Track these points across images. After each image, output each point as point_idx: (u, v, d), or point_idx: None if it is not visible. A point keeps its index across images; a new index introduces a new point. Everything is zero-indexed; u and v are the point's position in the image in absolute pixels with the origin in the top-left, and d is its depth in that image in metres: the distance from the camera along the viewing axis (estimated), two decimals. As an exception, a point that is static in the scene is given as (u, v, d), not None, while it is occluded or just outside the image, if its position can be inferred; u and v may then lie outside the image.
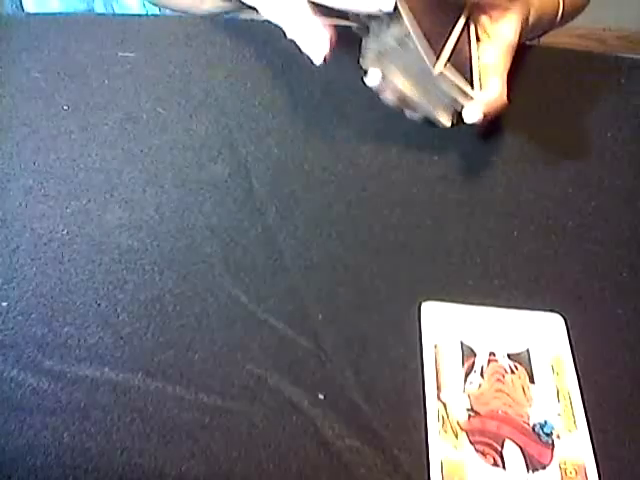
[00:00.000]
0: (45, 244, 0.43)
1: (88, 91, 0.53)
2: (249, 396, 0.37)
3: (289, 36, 0.44)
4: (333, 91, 0.54)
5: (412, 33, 0.41)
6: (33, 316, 0.40)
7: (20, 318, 0.40)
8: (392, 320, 0.40)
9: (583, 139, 0.52)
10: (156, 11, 0.76)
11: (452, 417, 0.36)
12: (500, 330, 0.40)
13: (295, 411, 0.37)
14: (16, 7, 0.83)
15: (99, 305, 0.40)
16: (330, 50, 0.42)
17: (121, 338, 0.39)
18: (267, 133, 0.50)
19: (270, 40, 0.57)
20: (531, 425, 0.36)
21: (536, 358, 0.39)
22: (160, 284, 0.42)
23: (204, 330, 0.40)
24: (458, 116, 0.46)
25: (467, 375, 0.38)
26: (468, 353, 0.39)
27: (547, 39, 0.64)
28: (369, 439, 0.36)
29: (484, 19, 0.48)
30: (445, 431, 0.35)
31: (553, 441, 0.35)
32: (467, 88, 0.44)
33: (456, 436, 0.35)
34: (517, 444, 0.35)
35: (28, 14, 0.80)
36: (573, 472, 0.34)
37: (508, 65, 0.47)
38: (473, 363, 0.38)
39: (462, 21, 0.46)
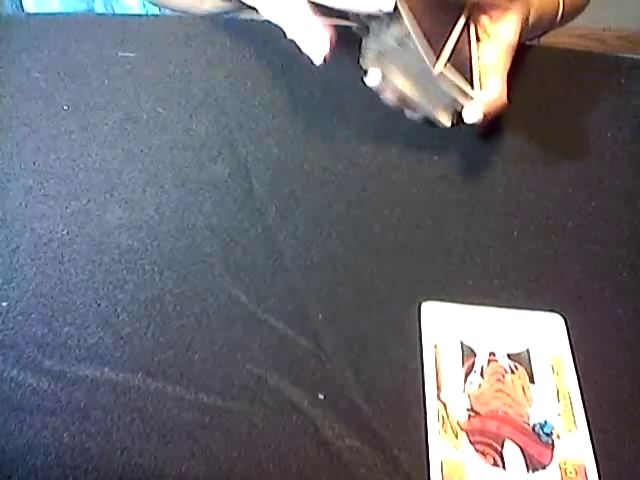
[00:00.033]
0: (45, 244, 0.43)
1: (88, 91, 0.53)
2: (249, 396, 0.37)
3: (289, 36, 0.44)
4: (333, 91, 0.54)
5: (412, 33, 0.41)
6: (33, 316, 0.40)
7: (20, 318, 0.40)
8: (392, 320, 0.40)
9: (583, 139, 0.52)
10: (156, 11, 0.76)
11: (452, 417, 0.36)
12: (500, 330, 0.40)
13: (295, 411, 0.37)
14: (16, 7, 0.83)
15: (99, 305, 0.40)
16: (330, 50, 0.42)
17: (121, 338, 0.39)
18: (267, 133, 0.50)
19: (270, 40, 0.57)
20: (531, 425, 0.36)
21: (536, 358, 0.39)
22: (160, 284, 0.42)
23: (204, 330, 0.40)
24: (458, 116, 0.46)
25: (467, 375, 0.38)
26: (468, 353, 0.39)
27: (547, 39, 0.64)
28: (369, 439, 0.36)
29: (484, 19, 0.48)
30: (445, 431, 0.35)
31: (553, 441, 0.35)
32: (467, 88, 0.44)
33: (456, 436, 0.35)
34: (517, 444, 0.35)
35: (28, 14, 0.80)
36: (573, 472, 0.34)
37: (508, 65, 0.47)
38: (473, 363, 0.38)
39: (462, 21, 0.46)
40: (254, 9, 0.48)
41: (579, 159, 0.50)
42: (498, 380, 0.37)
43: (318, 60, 0.43)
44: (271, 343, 0.39)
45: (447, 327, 0.40)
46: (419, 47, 0.42)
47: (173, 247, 0.43)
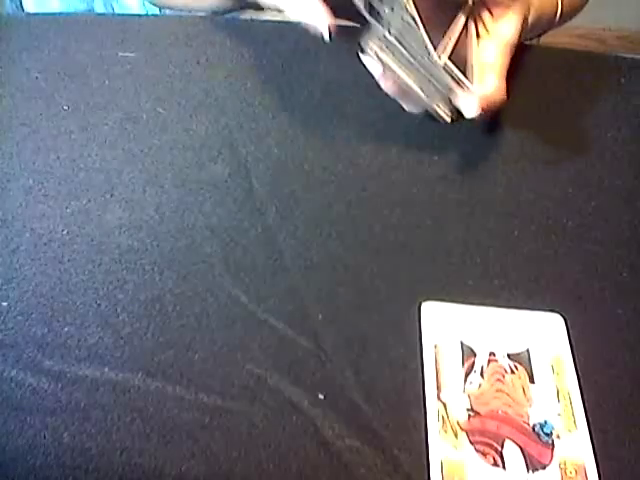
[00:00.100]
0: (45, 244, 0.43)
1: (88, 91, 0.53)
2: (249, 396, 0.37)
3: (292, 18, 0.44)
4: (333, 91, 0.54)
5: (416, 24, 0.41)
6: (33, 316, 0.40)
7: (20, 318, 0.40)
8: (392, 320, 0.40)
9: (583, 139, 0.52)
10: (156, 11, 0.76)
11: (452, 417, 0.36)
12: (500, 330, 0.40)
13: (295, 411, 0.37)
14: (16, 7, 0.83)
15: (99, 305, 0.40)
16: (333, 23, 0.42)
17: (121, 338, 0.39)
18: (267, 133, 0.50)
19: (270, 40, 0.57)
20: (531, 425, 0.36)
21: (536, 358, 0.39)
22: (160, 284, 0.42)
23: (204, 330, 0.40)
24: (458, 112, 0.46)
25: (467, 375, 0.38)
26: (468, 353, 0.39)
27: (547, 39, 0.64)
28: (369, 439, 0.36)
29: (486, 16, 0.48)
30: (445, 431, 0.35)
31: (553, 441, 0.35)
32: (466, 82, 0.44)
33: (456, 436, 0.35)
34: (517, 444, 0.35)
35: (28, 14, 0.81)
36: (573, 472, 0.34)
37: (507, 63, 0.47)
38: (473, 363, 0.38)
39: (463, 17, 0.46)
40: (255, 7, 0.48)
41: (579, 159, 0.50)
42: (498, 380, 0.37)
43: (326, 36, 0.42)
44: (271, 343, 0.39)
45: (447, 327, 0.40)
46: (424, 38, 0.42)
47: (173, 247, 0.43)
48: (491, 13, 0.48)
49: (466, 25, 0.47)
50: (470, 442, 0.35)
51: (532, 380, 0.38)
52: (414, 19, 0.41)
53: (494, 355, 0.38)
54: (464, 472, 0.34)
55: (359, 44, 0.44)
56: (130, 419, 0.36)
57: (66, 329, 0.39)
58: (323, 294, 0.42)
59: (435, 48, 0.43)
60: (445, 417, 0.36)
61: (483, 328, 0.40)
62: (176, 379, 0.38)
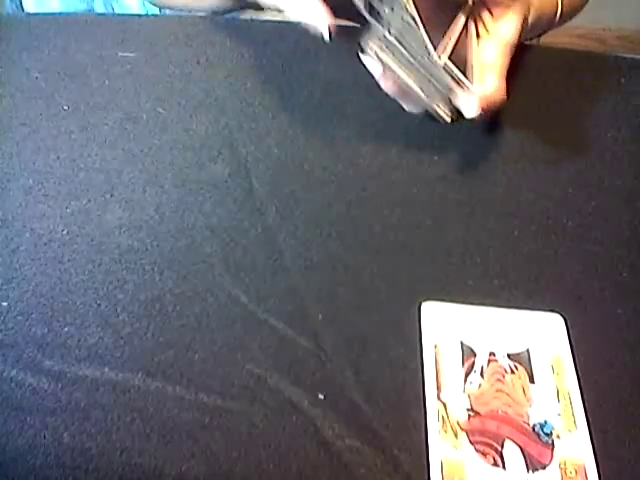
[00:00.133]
0: (45, 244, 0.43)
1: (88, 91, 0.53)
2: (249, 396, 0.37)
3: (292, 18, 0.44)
4: (333, 91, 0.54)
5: (416, 24, 0.41)
6: (33, 316, 0.40)
7: (20, 318, 0.40)
8: (392, 320, 0.40)
9: (583, 139, 0.52)
10: (156, 11, 0.76)
11: (452, 417, 0.36)
12: (500, 330, 0.40)
13: (295, 411, 0.37)
14: (16, 7, 0.83)
15: (99, 305, 0.40)
16: (333, 24, 0.42)
17: (121, 338, 0.39)
18: (267, 133, 0.50)
19: (270, 40, 0.57)
20: (531, 425, 0.36)
21: (536, 358, 0.39)
22: (160, 284, 0.42)
23: (204, 330, 0.40)
24: (458, 112, 0.46)
25: (467, 375, 0.38)
26: (468, 353, 0.39)
27: (547, 39, 0.64)
28: (369, 439, 0.36)
29: (486, 16, 0.48)
30: (445, 431, 0.35)
31: (553, 441, 0.35)
32: (466, 81, 0.44)
33: (456, 436, 0.35)
34: (517, 444, 0.35)
35: (28, 14, 0.81)
36: (573, 472, 0.34)
37: (507, 63, 0.47)
38: (473, 363, 0.38)
39: (464, 17, 0.46)
40: (255, 7, 0.48)
41: (579, 159, 0.50)
42: (498, 380, 0.37)
43: (326, 36, 0.42)
44: (271, 343, 0.39)
45: (447, 327, 0.40)
46: (424, 38, 0.42)
47: (173, 247, 0.43)
48: (491, 13, 0.48)
49: (466, 25, 0.47)
50: (470, 442, 0.35)
51: (532, 380, 0.38)
52: (414, 19, 0.41)
53: (494, 355, 0.38)
54: (464, 472, 0.34)
55: (359, 44, 0.44)
56: (130, 419, 0.36)
57: (66, 329, 0.39)
58: (323, 294, 0.42)
59: (435, 48, 0.43)
60: (445, 417, 0.36)
61: (483, 328, 0.40)
62: (176, 379, 0.38)
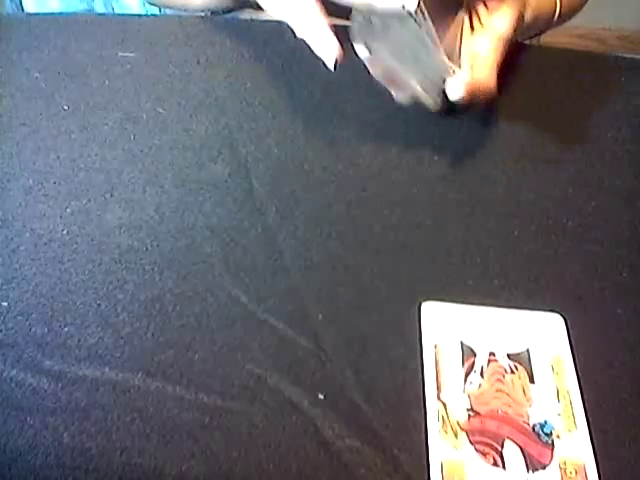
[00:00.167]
0: (45, 244, 0.43)
1: (88, 91, 0.53)
2: (249, 396, 0.37)
3: (299, 35, 0.44)
4: (333, 91, 0.54)
5: (424, 18, 0.41)
6: (33, 316, 0.40)
7: (20, 318, 0.40)
8: (392, 320, 0.40)
9: (583, 139, 0.52)
10: (156, 11, 0.76)
11: (452, 417, 0.36)
12: (500, 330, 0.40)
13: (295, 411, 0.37)
14: (16, 7, 0.83)
15: (99, 305, 0.40)
16: (340, 54, 0.42)
17: (121, 338, 0.39)
18: (267, 133, 0.50)
19: (270, 40, 0.57)
20: (531, 425, 0.36)
21: (536, 358, 0.39)
22: (160, 284, 0.42)
23: (204, 330, 0.40)
24: (447, 102, 0.46)
25: (467, 375, 0.38)
26: (468, 353, 0.39)
27: (547, 39, 0.64)
28: (369, 439, 0.36)
29: (481, 10, 0.48)
30: (445, 431, 0.35)
31: (553, 441, 0.35)
32: (455, 68, 0.44)
33: (456, 436, 0.35)
34: (517, 444, 0.35)
35: (28, 14, 0.81)
36: (573, 472, 0.34)
37: (499, 57, 0.47)
38: (473, 363, 0.38)
39: (461, 10, 0.46)
40: (255, 6, 0.48)
41: (579, 159, 0.50)
42: (498, 380, 0.37)
43: (329, 65, 0.43)
44: (271, 343, 0.39)
45: (447, 327, 0.40)
46: (431, 30, 0.42)
47: (173, 247, 0.43)
48: (486, 7, 0.48)
49: (461, 18, 0.47)
50: (470, 442, 0.35)
51: (532, 380, 0.38)
52: (423, 14, 0.41)
53: (494, 355, 0.38)
54: (464, 472, 0.34)
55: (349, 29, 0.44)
56: (130, 419, 0.36)
57: (66, 329, 0.39)
58: (323, 294, 0.42)
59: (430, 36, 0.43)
60: (445, 417, 0.36)
61: (483, 328, 0.40)
62: (176, 379, 0.38)
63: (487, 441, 0.35)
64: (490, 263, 0.44)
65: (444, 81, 0.45)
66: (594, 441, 0.35)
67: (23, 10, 0.83)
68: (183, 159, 0.49)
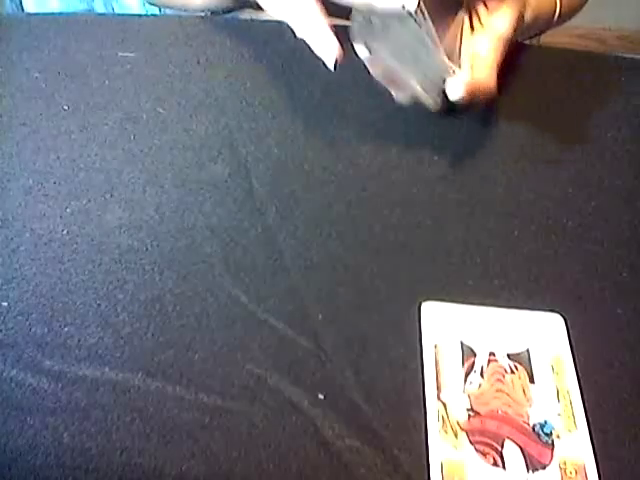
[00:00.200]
0: (45, 244, 0.43)
1: (88, 91, 0.53)
2: (249, 396, 0.37)
3: (299, 35, 0.44)
4: (333, 91, 0.54)
5: (425, 20, 0.41)
6: (33, 316, 0.40)
7: (20, 318, 0.40)
8: (392, 320, 0.40)
9: (583, 139, 0.52)
10: (156, 11, 0.76)
11: (452, 417, 0.36)
12: (500, 330, 0.40)
13: (295, 411, 0.37)
14: (16, 7, 0.83)
15: (99, 305, 0.40)
16: (340, 55, 0.42)
17: (121, 338, 0.39)
18: (267, 133, 0.50)
19: (270, 40, 0.57)
20: (531, 425, 0.36)
21: (536, 358, 0.39)
22: (160, 284, 0.42)
23: (204, 330, 0.40)
24: (447, 102, 0.46)
25: (467, 375, 0.38)
26: (468, 353, 0.39)
27: (547, 39, 0.64)
28: (369, 439, 0.36)
29: (481, 10, 0.48)
30: (445, 431, 0.35)
31: (553, 441, 0.35)
32: (455, 68, 0.44)
33: (456, 436, 0.35)
34: (517, 444, 0.35)
35: (28, 14, 0.81)
36: (573, 472, 0.34)
37: (499, 57, 0.47)
38: (473, 363, 0.38)
39: (461, 10, 0.46)
40: (255, 6, 0.47)
41: (579, 159, 0.50)
42: (498, 380, 0.37)
43: (330, 65, 0.43)
44: (271, 343, 0.39)
45: (447, 327, 0.40)
46: (432, 31, 0.42)
47: (173, 247, 0.43)
48: (486, 6, 0.48)
49: (462, 18, 0.47)
50: (470, 442, 0.35)
51: (532, 380, 0.38)
52: (424, 15, 0.41)
53: (494, 355, 0.38)
54: (464, 472, 0.34)
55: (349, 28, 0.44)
56: (130, 419, 0.36)
57: (66, 329, 0.39)
58: (323, 294, 0.42)
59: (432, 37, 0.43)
60: (445, 417, 0.36)
61: (483, 328, 0.40)
62: (176, 379, 0.38)
63: (487, 441, 0.35)
64: (490, 263, 0.44)
65: (444, 81, 0.45)
66: (594, 441, 0.35)
67: (23, 10, 0.83)
68: (183, 159, 0.49)
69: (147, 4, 0.77)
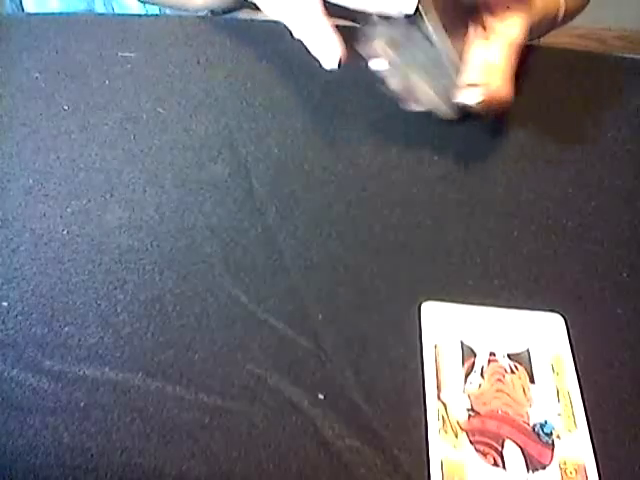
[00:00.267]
0: (45, 244, 0.43)
1: (88, 91, 0.53)
2: (249, 396, 0.37)
3: (296, 36, 0.44)
4: (333, 91, 0.54)
5: (433, 28, 0.41)
6: (33, 316, 0.40)
7: (20, 318, 0.40)
8: (392, 320, 0.40)
9: (583, 139, 0.52)
10: (156, 11, 0.76)
11: (452, 417, 0.36)
12: (500, 330, 0.40)
13: (295, 411, 0.37)
14: (16, 7, 0.83)
15: (99, 305, 0.40)
16: (344, 54, 0.42)
17: (121, 338, 0.39)
18: (267, 133, 0.50)
19: (270, 40, 0.57)
20: (531, 425, 0.36)
21: (536, 358, 0.39)
22: (160, 284, 0.42)
23: (204, 330, 0.40)
24: (463, 110, 0.46)
25: (467, 375, 0.38)
26: (468, 353, 0.39)
27: (547, 39, 0.64)
28: (369, 439, 0.36)
29: (492, 18, 0.48)
30: (445, 431, 0.35)
31: (553, 441, 0.35)
32: (466, 70, 0.45)
33: (456, 436, 0.35)
34: (517, 444, 0.35)
35: (28, 14, 0.81)
36: (573, 472, 0.34)
37: (513, 64, 0.47)
38: (473, 363, 0.38)
39: (471, 18, 0.46)
40: (254, 7, 0.47)
41: (579, 159, 0.50)
42: (498, 380, 0.37)
43: (331, 65, 0.42)
44: (271, 343, 0.39)
45: (447, 327, 0.40)
46: (441, 40, 0.42)
47: (173, 247, 0.43)
48: (497, 15, 0.48)
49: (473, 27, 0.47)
50: (470, 442, 0.35)
51: (532, 380, 0.38)
52: (433, 24, 0.41)
53: (494, 355, 0.38)
54: (464, 472, 0.34)
55: (361, 42, 0.44)
56: (130, 419, 0.36)
57: (66, 329, 0.39)
58: (323, 294, 0.42)
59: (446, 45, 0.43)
60: (445, 417, 0.36)
61: (483, 328, 0.40)
62: (176, 379, 0.38)
63: (487, 441, 0.35)
64: (490, 263, 0.44)
65: (457, 88, 0.45)
66: (594, 441, 0.35)
67: (23, 10, 0.83)
68: (183, 159, 0.49)
69: (147, 4, 0.77)
